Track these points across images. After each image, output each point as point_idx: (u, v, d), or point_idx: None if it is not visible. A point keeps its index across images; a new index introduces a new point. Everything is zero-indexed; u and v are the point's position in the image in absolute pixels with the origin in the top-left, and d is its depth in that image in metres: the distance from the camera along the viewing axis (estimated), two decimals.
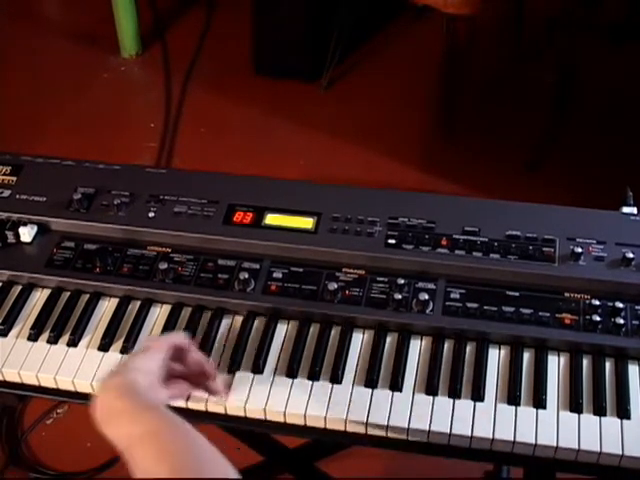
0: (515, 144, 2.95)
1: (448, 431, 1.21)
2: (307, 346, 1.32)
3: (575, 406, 1.23)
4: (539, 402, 1.23)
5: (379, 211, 1.42)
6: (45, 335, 1.36)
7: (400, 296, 1.32)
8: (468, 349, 1.30)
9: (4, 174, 1.52)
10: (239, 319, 1.36)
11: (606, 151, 2.89)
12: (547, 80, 3.03)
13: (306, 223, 1.41)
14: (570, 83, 2.95)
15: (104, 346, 1.34)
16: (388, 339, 1.32)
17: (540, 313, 1.30)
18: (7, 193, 1.49)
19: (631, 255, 1.32)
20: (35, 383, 1.33)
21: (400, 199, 1.45)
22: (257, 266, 1.39)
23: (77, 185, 1.48)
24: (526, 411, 1.23)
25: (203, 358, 1.24)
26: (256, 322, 1.35)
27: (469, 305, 1.32)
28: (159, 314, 1.38)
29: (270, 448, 1.81)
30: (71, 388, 1.32)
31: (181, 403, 1.28)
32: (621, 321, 1.28)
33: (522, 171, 2.85)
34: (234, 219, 1.43)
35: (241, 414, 1.27)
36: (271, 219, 1.42)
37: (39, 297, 1.42)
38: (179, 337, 1.23)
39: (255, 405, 1.26)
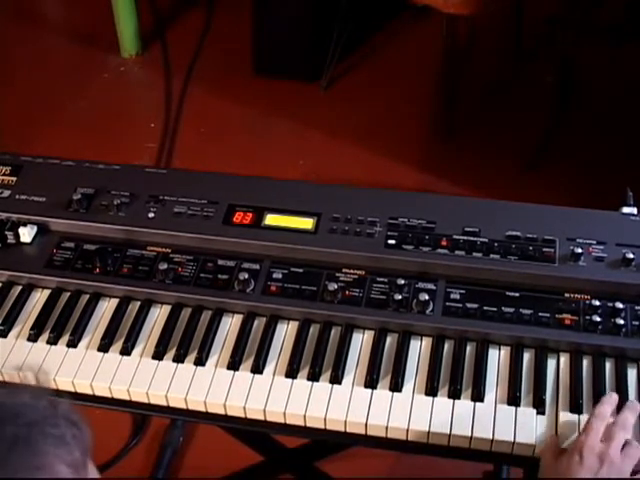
0: (515, 144, 2.95)
1: (448, 432, 1.21)
2: (307, 347, 1.32)
3: (575, 406, 1.23)
4: (539, 403, 1.23)
5: (379, 211, 1.41)
6: (45, 336, 1.36)
7: (400, 296, 1.32)
8: (468, 350, 1.30)
9: (4, 174, 1.52)
10: (239, 319, 1.36)
11: (606, 151, 2.89)
12: (547, 80, 3.03)
13: (306, 223, 1.41)
14: (570, 83, 2.95)
15: (104, 347, 1.34)
16: (388, 340, 1.32)
17: (540, 314, 1.30)
18: (7, 193, 1.49)
19: (631, 255, 1.32)
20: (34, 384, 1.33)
21: (400, 199, 1.45)
22: (257, 266, 1.38)
23: (77, 185, 1.48)
24: (526, 412, 1.23)
25: None
26: (256, 322, 1.35)
27: (469, 306, 1.32)
28: (159, 314, 1.38)
29: (270, 448, 1.81)
30: (71, 389, 1.32)
31: (181, 404, 1.28)
32: (621, 322, 1.28)
33: (522, 171, 2.85)
34: (234, 219, 1.43)
35: (241, 414, 1.27)
36: (271, 219, 1.42)
37: (39, 298, 1.42)
38: None
39: (255, 405, 1.26)
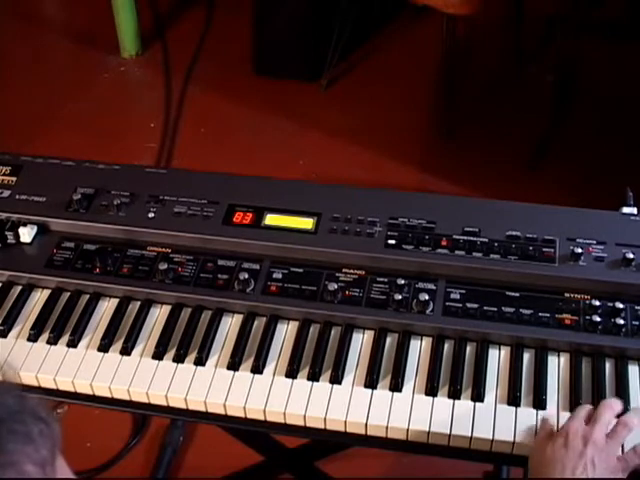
0: (515, 144, 2.95)
1: (448, 432, 1.21)
2: (307, 347, 1.32)
3: (575, 407, 1.22)
4: (539, 403, 1.23)
5: (379, 211, 1.41)
6: (45, 336, 1.36)
7: (400, 296, 1.32)
8: (468, 350, 1.30)
9: (4, 174, 1.52)
10: (239, 319, 1.36)
11: (606, 151, 2.89)
12: (547, 80, 3.03)
13: (306, 223, 1.41)
14: (570, 83, 2.95)
15: (104, 347, 1.34)
16: (388, 340, 1.32)
17: (540, 314, 1.30)
18: (7, 193, 1.49)
19: (631, 255, 1.32)
20: (35, 384, 1.33)
21: (400, 199, 1.45)
22: (257, 266, 1.38)
23: (77, 185, 1.48)
24: (526, 412, 1.23)
25: None
26: (256, 322, 1.35)
27: (469, 306, 1.32)
28: (159, 314, 1.38)
29: (270, 448, 1.81)
30: (71, 389, 1.32)
31: (181, 404, 1.28)
32: (621, 321, 1.28)
33: (522, 171, 2.85)
34: (234, 219, 1.43)
35: (241, 414, 1.27)
36: (271, 219, 1.42)
37: (39, 298, 1.42)
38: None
39: (255, 405, 1.26)
